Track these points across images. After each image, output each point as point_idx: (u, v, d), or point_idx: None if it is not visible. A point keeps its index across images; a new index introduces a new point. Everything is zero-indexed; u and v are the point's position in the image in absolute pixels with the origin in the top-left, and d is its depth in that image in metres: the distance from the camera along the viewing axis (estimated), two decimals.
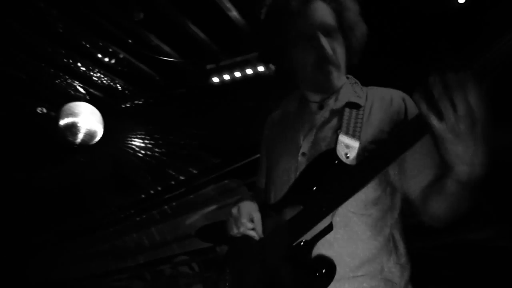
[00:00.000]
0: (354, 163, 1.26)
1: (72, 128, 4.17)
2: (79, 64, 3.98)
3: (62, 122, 4.17)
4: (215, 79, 3.79)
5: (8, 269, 7.40)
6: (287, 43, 1.42)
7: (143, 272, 6.29)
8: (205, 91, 4.07)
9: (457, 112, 0.90)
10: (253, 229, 1.38)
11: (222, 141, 4.79)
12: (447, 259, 2.95)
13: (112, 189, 6.01)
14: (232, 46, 3.68)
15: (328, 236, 1.25)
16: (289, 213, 1.34)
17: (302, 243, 1.27)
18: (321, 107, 1.47)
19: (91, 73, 4.11)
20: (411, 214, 1.35)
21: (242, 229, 1.37)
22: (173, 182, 5.79)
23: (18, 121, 4.54)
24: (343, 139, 1.30)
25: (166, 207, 6.08)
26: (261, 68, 3.59)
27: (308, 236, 1.26)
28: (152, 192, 6.11)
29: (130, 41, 3.64)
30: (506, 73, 0.90)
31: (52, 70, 4.02)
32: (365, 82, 1.51)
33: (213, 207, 5.32)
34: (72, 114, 4.16)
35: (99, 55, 3.86)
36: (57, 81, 4.19)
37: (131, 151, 5.33)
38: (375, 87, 1.47)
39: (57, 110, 4.22)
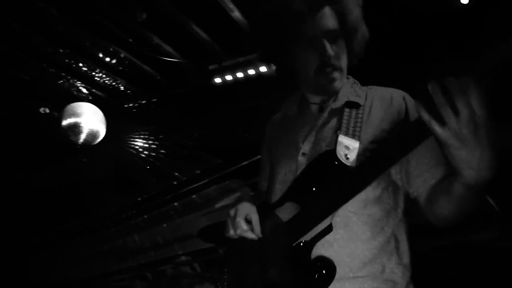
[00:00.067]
0: (354, 164, 1.25)
1: (75, 128, 4.18)
2: (81, 65, 3.99)
3: (65, 122, 4.18)
4: (217, 80, 3.80)
5: (15, 269, 7.42)
6: (291, 44, 1.42)
7: (145, 272, 6.29)
8: (207, 92, 4.07)
9: (459, 117, 0.89)
10: (250, 230, 1.37)
11: (224, 141, 4.79)
12: (449, 259, 2.94)
13: (114, 189, 6.02)
14: (234, 47, 3.69)
15: (328, 236, 1.25)
16: (288, 213, 1.34)
17: (301, 244, 1.26)
18: (321, 109, 1.47)
19: (94, 74, 4.12)
20: (412, 214, 1.35)
21: (238, 231, 1.37)
22: (175, 183, 5.79)
23: (21, 122, 4.55)
24: (343, 140, 1.30)
25: (168, 207, 6.09)
26: (263, 69, 3.59)
27: (308, 236, 1.26)
28: (154, 192, 6.11)
29: (132, 41, 3.65)
30: (506, 73, 0.90)
31: (54, 71, 4.03)
32: (365, 82, 1.51)
33: (215, 207, 5.32)
34: (75, 114, 4.18)
35: (102, 56, 3.87)
36: (59, 82, 4.20)
37: (133, 151, 5.34)
38: (375, 87, 1.47)
39: (60, 110, 4.23)
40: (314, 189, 1.29)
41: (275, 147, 1.58)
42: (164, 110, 4.67)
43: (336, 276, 1.20)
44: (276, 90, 1.63)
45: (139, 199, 6.32)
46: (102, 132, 4.36)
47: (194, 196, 5.65)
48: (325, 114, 1.44)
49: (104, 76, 4.17)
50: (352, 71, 1.53)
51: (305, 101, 1.53)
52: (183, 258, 5.58)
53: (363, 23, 1.46)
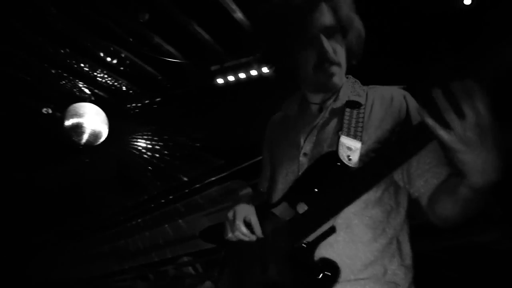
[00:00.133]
0: (356, 165, 1.25)
1: (77, 128, 4.20)
2: (84, 65, 4.00)
3: (67, 122, 4.19)
4: (220, 80, 3.80)
5: (17, 269, 7.43)
6: (290, 43, 1.42)
7: (146, 272, 6.30)
8: (209, 92, 4.08)
9: (465, 121, 0.89)
10: (250, 232, 1.37)
11: (225, 142, 4.79)
12: (452, 261, 2.93)
13: (116, 190, 6.03)
14: (236, 47, 3.69)
15: (329, 238, 1.24)
16: (289, 213, 1.33)
17: (304, 245, 1.26)
18: (321, 109, 1.47)
19: (96, 74, 4.13)
20: (413, 215, 1.34)
21: (236, 233, 1.37)
22: (177, 183, 5.80)
23: (24, 122, 4.57)
24: (345, 140, 1.29)
25: (170, 208, 6.09)
26: (265, 69, 3.59)
27: (310, 237, 1.26)
28: (156, 193, 6.12)
29: (135, 42, 3.65)
30: (508, 74, 0.89)
31: (57, 71, 4.04)
32: (365, 82, 1.51)
33: (217, 208, 5.32)
34: (77, 114, 4.19)
35: (104, 56, 3.88)
36: (62, 82, 4.21)
37: (135, 152, 5.35)
38: (375, 86, 1.46)
39: (62, 110, 4.25)
40: (316, 190, 1.29)
41: (276, 147, 1.58)
42: (166, 111, 4.68)
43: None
44: (278, 91, 1.62)
45: (141, 199, 6.33)
46: (104, 132, 4.37)
47: (196, 196, 5.66)
48: (326, 114, 1.43)
49: (106, 76, 4.18)
50: (352, 71, 1.53)
51: (306, 101, 1.52)
52: (185, 258, 5.58)
53: (358, 21, 1.46)
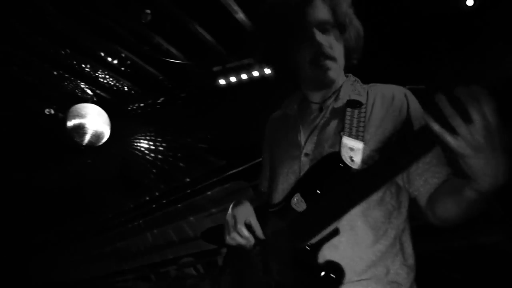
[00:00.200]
0: (359, 166, 1.24)
1: (79, 129, 4.20)
2: (86, 66, 4.01)
3: (69, 123, 4.20)
4: (222, 81, 3.80)
5: (18, 269, 7.45)
6: (286, 41, 1.42)
7: (148, 273, 6.30)
8: (211, 93, 4.08)
9: (473, 125, 0.89)
10: (251, 235, 1.36)
11: (227, 143, 4.79)
12: (454, 262, 2.93)
13: (118, 191, 6.03)
14: (238, 48, 3.69)
15: (333, 240, 1.24)
16: (292, 215, 1.33)
17: (307, 247, 1.26)
18: (321, 109, 1.46)
19: (98, 75, 4.14)
20: (415, 216, 1.34)
21: (238, 239, 1.36)
22: (178, 184, 5.80)
23: (27, 123, 4.58)
24: (347, 141, 1.29)
25: (171, 208, 6.10)
26: (267, 70, 3.59)
27: (313, 239, 1.25)
28: (158, 193, 6.13)
29: (138, 43, 3.66)
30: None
31: (59, 72, 4.05)
32: (365, 82, 1.50)
33: (219, 209, 5.32)
34: (79, 115, 4.19)
35: (106, 57, 3.89)
36: (64, 83, 4.22)
37: (137, 153, 5.36)
38: (376, 84, 1.45)
39: (65, 111, 4.26)
40: (318, 191, 1.28)
41: (276, 147, 1.57)
42: (168, 112, 4.68)
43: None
44: (279, 92, 1.62)
45: (143, 200, 6.33)
46: (106, 133, 4.38)
47: (197, 197, 5.66)
48: (327, 114, 1.42)
49: (108, 77, 4.18)
50: (352, 71, 1.53)
51: (306, 100, 1.52)
52: (187, 259, 5.58)
53: (355, 18, 1.46)
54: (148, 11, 3.24)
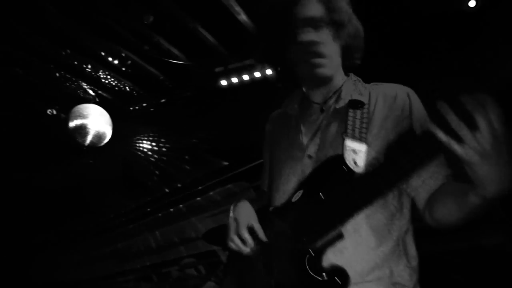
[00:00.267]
0: (363, 170, 1.23)
1: (81, 129, 4.21)
2: (88, 66, 4.02)
3: (72, 124, 4.21)
4: (224, 82, 3.80)
5: (20, 269, 7.45)
6: (283, 41, 1.42)
7: (150, 274, 6.30)
8: (213, 94, 4.08)
9: (479, 133, 0.89)
10: (253, 240, 1.36)
11: (229, 143, 4.79)
12: (457, 263, 2.92)
13: (119, 191, 6.04)
14: (240, 49, 3.69)
15: (337, 243, 1.24)
16: (295, 218, 1.32)
17: (311, 251, 1.25)
18: (322, 110, 1.45)
19: (100, 75, 4.15)
20: (416, 217, 1.33)
21: (239, 244, 1.36)
22: (180, 185, 5.80)
23: (29, 123, 4.59)
24: (350, 143, 1.28)
25: (173, 209, 6.10)
26: (269, 71, 3.59)
27: (318, 242, 1.25)
28: (159, 194, 6.13)
29: (139, 43, 3.66)
30: None
31: (62, 73, 4.06)
32: (365, 82, 1.49)
33: (220, 209, 5.32)
34: (81, 116, 4.20)
35: (108, 58, 3.89)
36: (66, 84, 4.23)
37: (139, 153, 5.36)
38: (378, 84, 1.44)
39: (67, 112, 4.26)
40: (321, 195, 1.27)
41: (276, 146, 1.56)
42: (170, 112, 4.69)
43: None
44: (281, 92, 1.62)
45: (145, 201, 6.33)
46: (108, 133, 4.38)
47: (199, 198, 5.66)
48: (329, 115, 1.41)
49: (110, 78, 4.19)
50: (352, 71, 1.52)
51: (307, 100, 1.51)
52: (188, 260, 5.58)
53: (354, 17, 1.44)
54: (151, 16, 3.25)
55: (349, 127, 1.31)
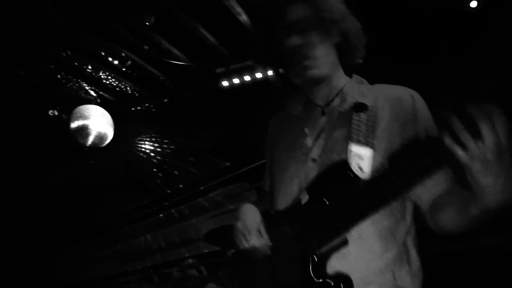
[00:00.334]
0: (368, 175, 1.22)
1: (83, 130, 4.21)
2: (90, 67, 4.02)
3: (73, 124, 4.21)
4: (225, 83, 3.81)
5: (21, 270, 7.46)
6: (275, 47, 1.42)
7: (151, 274, 6.30)
8: (214, 95, 4.08)
9: (484, 142, 0.88)
10: (261, 242, 1.36)
11: (231, 144, 4.79)
12: (459, 264, 2.91)
13: (121, 192, 6.04)
14: (241, 50, 3.70)
15: (341, 249, 1.23)
16: (300, 224, 1.32)
17: (316, 256, 1.25)
18: (324, 112, 1.44)
19: (102, 76, 4.15)
20: (417, 218, 1.33)
21: (251, 243, 1.36)
22: (181, 185, 5.80)
23: (30, 124, 4.59)
24: (355, 149, 1.26)
25: (174, 210, 6.10)
26: (270, 72, 3.59)
27: (322, 248, 1.24)
28: (160, 195, 6.13)
29: (141, 44, 3.67)
30: None
31: (63, 74, 4.07)
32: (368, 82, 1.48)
33: (222, 210, 5.31)
34: (83, 116, 4.21)
35: (110, 58, 3.90)
36: (68, 85, 4.24)
37: (141, 154, 5.36)
38: (382, 85, 1.42)
39: (68, 112, 4.27)
40: (326, 201, 1.26)
41: (281, 149, 1.54)
42: (171, 113, 4.69)
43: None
44: (283, 93, 1.61)
45: (146, 201, 6.33)
46: (109, 134, 4.39)
47: (200, 199, 5.66)
48: (333, 118, 1.40)
49: (111, 78, 4.20)
50: (352, 71, 1.51)
51: (310, 102, 1.50)
52: (190, 260, 5.58)
53: (350, 15, 1.42)
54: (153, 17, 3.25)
55: (354, 131, 1.30)
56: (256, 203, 1.52)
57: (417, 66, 3.00)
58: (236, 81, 3.76)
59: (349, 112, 1.36)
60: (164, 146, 5.26)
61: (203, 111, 4.48)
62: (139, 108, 4.63)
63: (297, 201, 1.37)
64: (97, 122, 4.25)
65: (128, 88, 4.33)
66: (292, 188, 1.39)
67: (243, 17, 3.32)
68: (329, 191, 1.27)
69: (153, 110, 4.64)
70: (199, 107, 4.44)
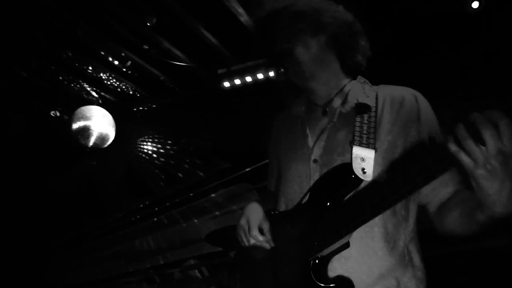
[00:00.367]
0: (371, 178, 1.22)
1: (84, 131, 4.22)
2: (91, 68, 4.03)
3: (75, 125, 4.21)
4: (226, 84, 3.80)
5: (18, 270, 7.46)
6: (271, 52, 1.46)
7: (152, 275, 6.30)
8: (215, 96, 4.08)
9: (487, 148, 0.87)
10: (264, 240, 1.36)
11: (232, 145, 4.79)
12: (463, 266, 2.91)
13: (122, 193, 6.04)
14: (243, 51, 3.69)
15: (344, 251, 1.22)
16: (302, 225, 1.32)
17: (317, 259, 1.24)
18: (325, 112, 1.44)
19: (103, 77, 4.16)
20: (421, 220, 1.32)
21: (252, 242, 1.36)
22: (183, 186, 5.80)
23: (32, 124, 4.60)
24: (358, 151, 1.25)
25: (176, 211, 6.10)
26: (272, 73, 3.59)
27: (324, 251, 1.24)
28: (162, 195, 6.13)
29: (142, 45, 3.67)
30: None
31: (65, 74, 4.07)
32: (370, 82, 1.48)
33: (223, 211, 5.31)
34: (85, 117, 4.21)
35: (111, 59, 3.90)
36: (70, 85, 4.24)
37: (142, 155, 5.37)
38: (385, 86, 1.42)
39: (70, 113, 4.27)
40: (328, 204, 1.26)
41: (284, 149, 1.55)
42: (172, 114, 4.69)
43: None
44: (285, 94, 1.61)
45: (148, 202, 6.34)
46: (111, 135, 4.39)
47: (202, 199, 5.66)
48: (334, 118, 1.39)
49: (113, 79, 4.20)
50: (357, 73, 1.50)
51: (312, 102, 1.50)
52: (191, 261, 5.58)
53: (341, 16, 1.41)
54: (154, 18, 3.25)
55: (357, 133, 1.29)
56: (261, 202, 1.52)
57: (416, 66, 2.99)
58: (237, 82, 3.76)
59: (351, 112, 1.36)
60: (165, 146, 5.26)
61: (204, 112, 4.48)
62: (140, 108, 4.63)
63: (299, 202, 1.36)
64: (99, 123, 4.25)
65: (129, 89, 4.34)
66: (294, 188, 1.39)
67: (244, 18, 3.32)
68: (331, 193, 1.27)
69: (155, 111, 4.64)
70: (200, 107, 4.44)
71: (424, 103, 1.32)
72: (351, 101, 1.38)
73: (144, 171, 5.59)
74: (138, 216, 6.58)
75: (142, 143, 5.27)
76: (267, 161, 1.74)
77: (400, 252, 1.24)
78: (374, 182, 1.21)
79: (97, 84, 4.25)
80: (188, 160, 5.37)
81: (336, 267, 1.23)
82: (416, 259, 1.28)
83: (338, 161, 1.30)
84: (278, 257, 1.36)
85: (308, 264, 1.25)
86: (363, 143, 1.27)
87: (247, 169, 4.71)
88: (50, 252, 7.88)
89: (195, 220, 5.86)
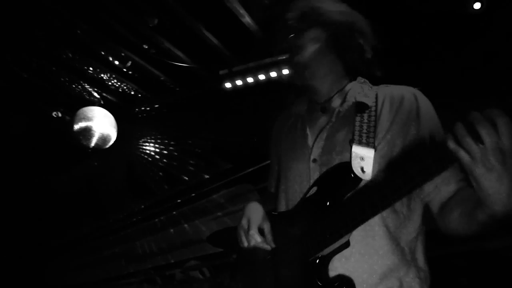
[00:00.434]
0: (370, 177, 1.22)
1: (86, 132, 4.22)
2: (93, 69, 4.03)
3: (76, 126, 4.22)
4: (228, 85, 3.80)
5: (18, 271, 7.47)
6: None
7: (153, 276, 6.30)
8: (217, 96, 4.08)
9: (485, 146, 0.87)
10: (264, 241, 1.36)
11: (233, 146, 4.79)
12: (465, 267, 2.90)
13: (123, 193, 6.04)
14: (245, 52, 3.70)
15: (345, 251, 1.22)
16: (302, 225, 1.31)
17: (318, 259, 1.24)
18: (323, 109, 1.45)
19: (105, 78, 4.16)
20: (427, 221, 1.31)
21: (252, 242, 1.36)
22: (184, 187, 5.80)
23: (34, 125, 4.60)
24: (357, 150, 1.25)
25: (177, 211, 6.10)
26: (273, 74, 3.59)
27: (324, 250, 1.23)
28: (163, 196, 6.13)
29: (144, 46, 3.67)
30: None
31: (66, 75, 4.08)
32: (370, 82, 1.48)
33: (225, 212, 5.31)
34: (86, 118, 4.21)
35: (113, 60, 3.90)
36: (72, 86, 4.24)
37: (144, 155, 5.37)
38: (385, 85, 1.42)
39: (72, 114, 4.28)
40: (328, 203, 1.25)
41: (285, 149, 1.55)
42: (174, 115, 4.70)
43: None
44: (286, 94, 1.62)
45: (149, 203, 6.34)
46: (113, 136, 4.39)
47: (203, 200, 5.66)
48: (333, 118, 1.40)
49: (115, 80, 4.20)
50: (360, 73, 1.50)
51: (312, 102, 1.51)
52: (192, 262, 5.58)
53: (340, 16, 1.41)
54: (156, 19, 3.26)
55: (356, 132, 1.29)
56: (262, 203, 1.52)
57: (416, 66, 2.99)
58: (239, 82, 3.76)
59: (350, 112, 1.37)
60: (167, 147, 5.27)
61: (205, 113, 4.48)
62: (142, 109, 4.63)
63: (299, 202, 1.36)
64: (100, 123, 4.25)
65: (131, 89, 4.34)
66: (294, 188, 1.40)
67: (246, 19, 3.32)
68: (331, 192, 1.27)
69: (156, 112, 4.64)
70: (202, 108, 4.44)
71: (424, 102, 1.31)
72: (350, 100, 1.39)
73: (145, 172, 5.59)
74: (139, 217, 6.58)
75: (143, 143, 5.28)
76: (268, 162, 1.74)
77: (403, 251, 1.23)
78: (373, 181, 1.21)
79: (99, 84, 4.25)
80: (189, 161, 5.38)
81: (337, 267, 1.23)
82: (421, 258, 1.27)
83: (337, 160, 1.30)
84: (279, 257, 1.36)
85: (309, 264, 1.24)
86: (362, 142, 1.26)
87: (248, 170, 4.71)
88: (50, 252, 7.88)
89: (197, 221, 5.86)
